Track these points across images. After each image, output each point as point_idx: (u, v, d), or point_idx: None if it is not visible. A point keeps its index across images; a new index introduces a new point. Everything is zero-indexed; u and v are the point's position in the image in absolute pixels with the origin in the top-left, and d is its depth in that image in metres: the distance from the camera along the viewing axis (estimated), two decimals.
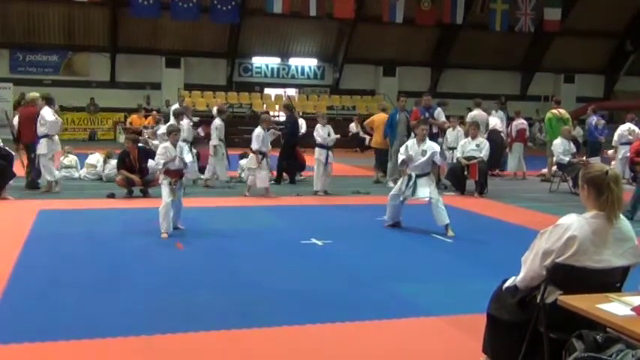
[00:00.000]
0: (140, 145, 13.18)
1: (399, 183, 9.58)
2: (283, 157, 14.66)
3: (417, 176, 9.27)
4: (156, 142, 17.69)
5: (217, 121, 14.09)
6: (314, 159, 13.23)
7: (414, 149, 9.35)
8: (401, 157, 9.47)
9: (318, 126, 13.34)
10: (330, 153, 13.13)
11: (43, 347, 4.75)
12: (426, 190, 9.20)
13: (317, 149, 13.19)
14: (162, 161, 8.72)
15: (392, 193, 9.52)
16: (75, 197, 11.94)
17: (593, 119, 16.37)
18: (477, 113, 15.65)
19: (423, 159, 9.25)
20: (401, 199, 9.42)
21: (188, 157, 8.97)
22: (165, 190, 8.69)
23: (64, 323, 5.23)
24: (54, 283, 6.40)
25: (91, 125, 26.92)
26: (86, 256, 7.55)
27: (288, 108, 16.01)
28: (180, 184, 8.99)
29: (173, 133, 9.01)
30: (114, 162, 13.45)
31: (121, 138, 23.94)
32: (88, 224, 9.51)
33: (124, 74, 28.31)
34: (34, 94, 13.85)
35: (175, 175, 8.81)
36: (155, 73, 28.36)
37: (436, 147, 9.72)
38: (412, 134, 14.51)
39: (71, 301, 5.83)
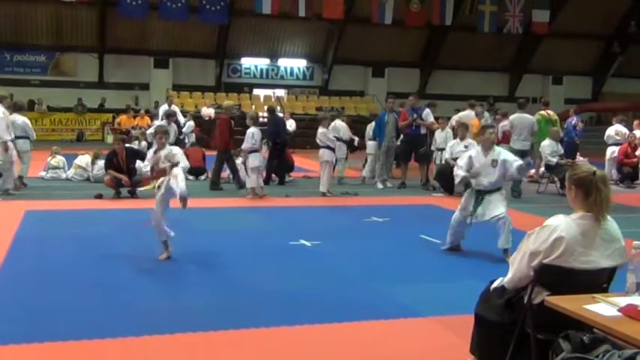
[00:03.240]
0: (128, 145, 13.13)
1: (463, 202, 7.96)
2: (271, 158, 14.62)
3: (487, 192, 7.74)
4: (144, 143, 17.69)
5: (340, 122, 14.89)
6: (323, 161, 13.02)
7: (480, 160, 7.72)
8: (461, 172, 7.78)
9: (325, 130, 13.25)
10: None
11: (30, 349, 4.72)
12: (499, 208, 7.64)
13: (328, 151, 13.08)
14: (148, 168, 7.77)
15: (456, 217, 7.94)
16: (62, 198, 11.88)
17: (573, 119, 16.42)
18: (466, 114, 15.64)
19: (496, 171, 7.63)
20: (468, 221, 7.85)
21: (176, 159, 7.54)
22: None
23: (52, 325, 5.20)
24: (41, 284, 6.37)
25: (79, 126, 26.79)
26: (73, 257, 7.50)
27: (270, 110, 16.03)
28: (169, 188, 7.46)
29: (159, 135, 7.76)
30: (102, 162, 13.39)
31: (109, 139, 23.85)
32: (75, 225, 9.46)
33: (112, 75, 28.22)
34: (228, 102, 13.92)
35: (159, 175, 7.67)
36: (143, 74, 28.27)
37: (511, 155, 7.92)
38: (401, 135, 14.58)
39: (58, 302, 5.80)
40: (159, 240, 7.55)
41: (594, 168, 3.78)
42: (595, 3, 29.59)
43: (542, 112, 16.43)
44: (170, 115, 13.50)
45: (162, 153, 7.54)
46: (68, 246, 8.07)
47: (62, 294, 6.06)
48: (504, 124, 17.40)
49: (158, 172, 7.63)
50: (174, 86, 28.22)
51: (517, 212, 11.49)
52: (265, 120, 16.17)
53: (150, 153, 7.93)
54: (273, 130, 14.90)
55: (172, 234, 7.59)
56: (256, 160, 12.32)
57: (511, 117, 14.29)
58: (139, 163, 12.58)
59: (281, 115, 20.46)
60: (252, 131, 12.42)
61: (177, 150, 7.76)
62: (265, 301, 6.00)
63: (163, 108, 19.21)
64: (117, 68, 28.17)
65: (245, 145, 12.45)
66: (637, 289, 3.46)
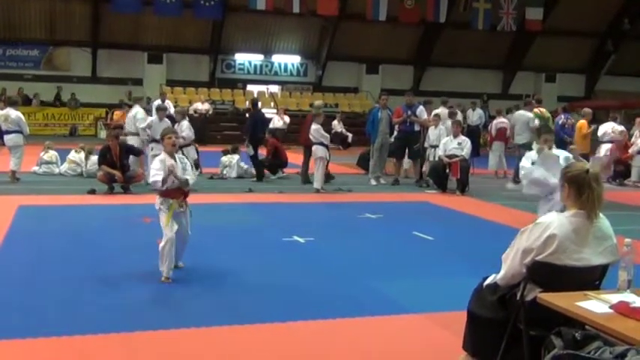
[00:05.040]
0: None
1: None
2: (256, 154, 14.53)
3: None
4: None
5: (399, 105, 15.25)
6: (317, 158, 12.99)
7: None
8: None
9: (319, 127, 13.17)
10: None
11: (23, 344, 4.71)
12: None
13: (322, 148, 13.01)
14: (160, 178, 6.42)
15: None
16: (55, 193, 11.85)
17: (561, 118, 16.44)
18: (440, 111, 15.61)
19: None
20: None
21: (187, 174, 6.68)
22: (164, 219, 6.50)
23: (44, 320, 5.20)
24: (33, 280, 6.36)
25: (72, 121, 26.67)
26: (66, 253, 7.50)
27: (253, 103, 15.93)
28: (186, 206, 6.76)
29: (168, 136, 6.67)
30: (95, 158, 13.36)
31: (102, 134, 23.76)
32: (67, 220, 9.45)
33: (105, 69, 28.09)
34: (318, 102, 14.76)
35: (177, 194, 6.60)
36: (137, 69, 28.14)
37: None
38: (395, 132, 14.61)
39: (51, 297, 5.80)
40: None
41: (587, 166, 3.80)
42: (588, 1, 29.64)
43: (535, 109, 16.46)
44: (160, 109, 13.28)
45: (179, 166, 6.57)
46: (61, 241, 8.06)
47: (55, 289, 6.05)
48: (498, 122, 17.46)
49: (174, 192, 6.56)
50: (168, 81, 28.09)
51: (510, 209, 11.54)
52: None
53: (156, 162, 6.61)
54: (247, 126, 14.94)
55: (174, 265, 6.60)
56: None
57: (514, 114, 16.19)
58: (131, 159, 12.61)
59: (274, 110, 20.42)
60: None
61: (186, 161, 6.87)
62: (258, 298, 6.01)
63: (156, 103, 19.06)
64: (110, 63, 28.03)
65: None
66: (628, 287, 3.48)
